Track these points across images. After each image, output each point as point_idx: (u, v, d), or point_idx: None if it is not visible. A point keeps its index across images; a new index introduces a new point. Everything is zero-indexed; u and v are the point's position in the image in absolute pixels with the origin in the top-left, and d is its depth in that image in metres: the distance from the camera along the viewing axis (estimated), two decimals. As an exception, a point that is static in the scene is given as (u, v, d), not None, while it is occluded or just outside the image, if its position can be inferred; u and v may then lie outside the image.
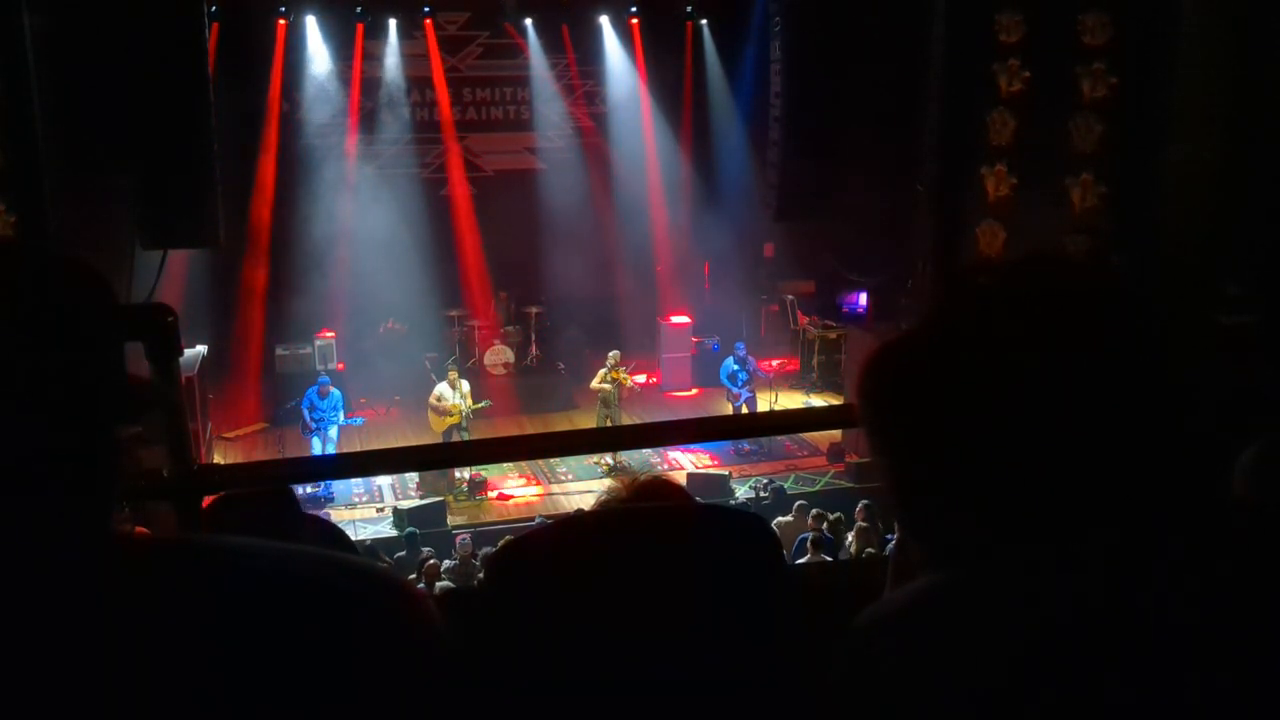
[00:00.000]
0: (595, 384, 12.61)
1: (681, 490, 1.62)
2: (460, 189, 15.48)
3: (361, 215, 14.55)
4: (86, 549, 0.93)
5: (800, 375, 14.59)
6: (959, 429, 0.97)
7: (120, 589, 0.91)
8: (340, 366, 12.70)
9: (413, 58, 14.71)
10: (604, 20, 14.98)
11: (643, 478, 1.21)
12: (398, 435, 12.90)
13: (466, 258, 14.76)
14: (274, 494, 2.02)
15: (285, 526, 1.90)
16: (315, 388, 12.06)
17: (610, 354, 12.67)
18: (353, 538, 9.97)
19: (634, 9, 14.77)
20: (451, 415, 11.85)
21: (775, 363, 12.98)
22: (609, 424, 12.46)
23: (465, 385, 12.06)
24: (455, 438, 12.04)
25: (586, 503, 9.93)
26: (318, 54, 14.11)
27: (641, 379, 12.77)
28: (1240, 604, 0.91)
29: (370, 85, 14.77)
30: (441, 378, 12.41)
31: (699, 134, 15.55)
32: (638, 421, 12.75)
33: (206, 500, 2.06)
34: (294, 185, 14.04)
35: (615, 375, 12.47)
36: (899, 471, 1.04)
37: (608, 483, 1.46)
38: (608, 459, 11.64)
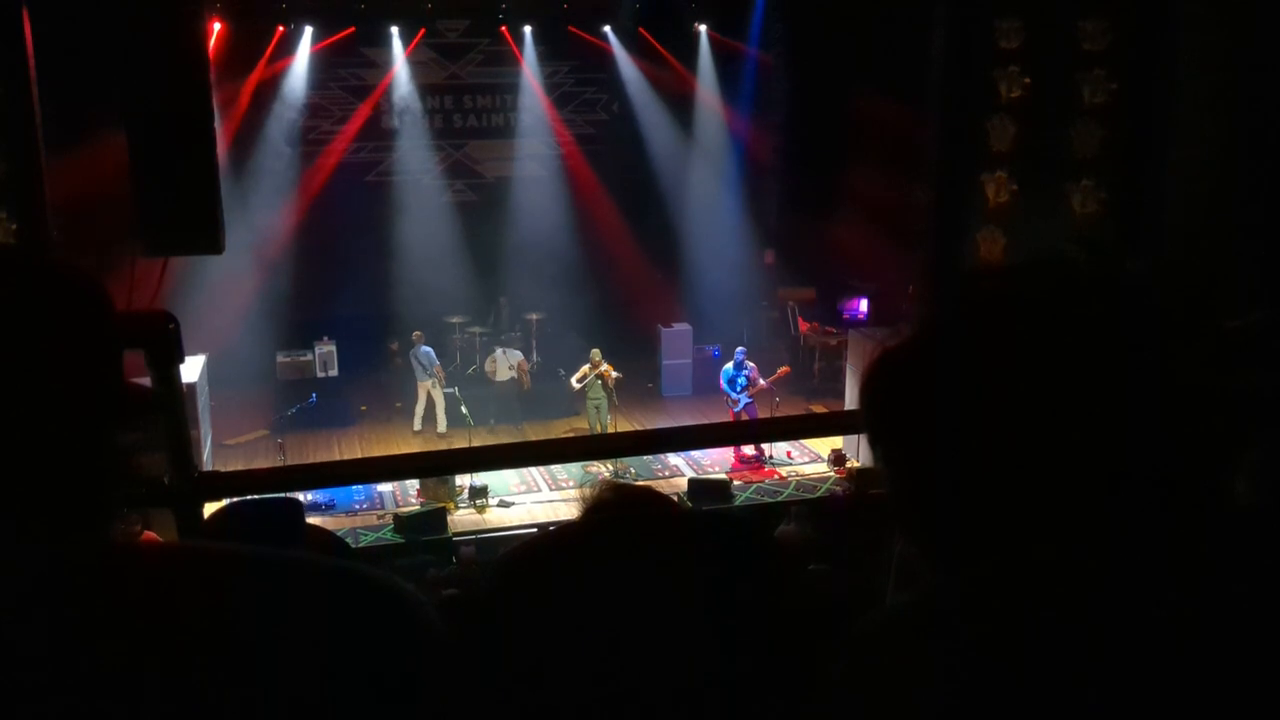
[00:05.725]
0: (575, 380, 12.70)
1: (666, 499, 1.60)
2: (461, 195, 15.51)
3: (362, 221, 14.60)
4: (87, 556, 0.93)
5: (800, 381, 14.58)
6: (961, 434, 0.97)
7: (121, 595, 0.91)
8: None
9: (413, 65, 14.77)
10: (605, 26, 15.01)
11: (629, 485, 1.21)
12: (400, 442, 12.91)
13: (467, 264, 14.78)
14: (284, 501, 2.02)
15: (289, 534, 1.90)
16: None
17: (592, 351, 12.80)
18: (353, 545, 10.02)
19: (635, 15, 14.79)
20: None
21: (773, 377, 12.95)
22: (599, 418, 12.57)
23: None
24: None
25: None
26: (318, 60, 14.14)
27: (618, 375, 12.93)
28: (1243, 607, 0.90)
29: (371, 93, 14.80)
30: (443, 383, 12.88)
31: (699, 141, 15.56)
32: (637, 427, 12.77)
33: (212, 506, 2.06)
34: (295, 191, 14.08)
35: (599, 371, 12.55)
36: (901, 476, 1.03)
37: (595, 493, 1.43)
38: (609, 465, 11.66)
